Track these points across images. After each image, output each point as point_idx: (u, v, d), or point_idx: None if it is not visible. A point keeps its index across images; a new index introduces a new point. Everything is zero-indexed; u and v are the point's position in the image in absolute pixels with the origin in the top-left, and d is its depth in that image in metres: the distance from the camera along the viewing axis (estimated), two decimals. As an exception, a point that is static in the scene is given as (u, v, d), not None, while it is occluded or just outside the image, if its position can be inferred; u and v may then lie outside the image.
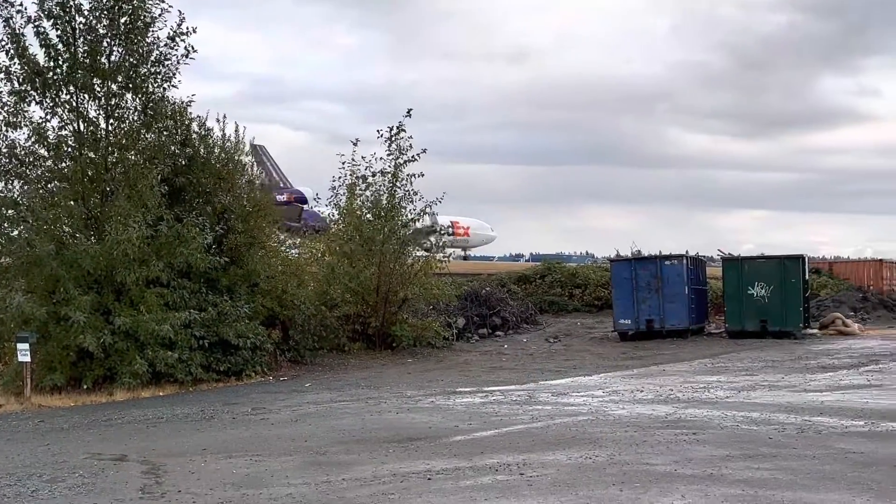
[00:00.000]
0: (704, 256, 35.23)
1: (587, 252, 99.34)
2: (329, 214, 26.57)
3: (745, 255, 30.25)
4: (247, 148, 22.42)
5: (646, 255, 31.99)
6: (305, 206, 45.69)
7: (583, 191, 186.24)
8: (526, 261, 76.11)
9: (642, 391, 15.65)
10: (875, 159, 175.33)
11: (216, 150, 21.93)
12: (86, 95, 18.75)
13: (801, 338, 27.75)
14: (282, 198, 57.25)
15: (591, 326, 33.22)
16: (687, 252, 30.48)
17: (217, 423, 13.33)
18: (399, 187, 26.00)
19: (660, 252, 30.49)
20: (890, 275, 42.96)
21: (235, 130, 22.31)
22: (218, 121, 22.14)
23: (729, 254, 31.49)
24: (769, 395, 14.74)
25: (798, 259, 28.68)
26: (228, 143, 22.19)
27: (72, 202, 18.66)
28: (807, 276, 29.43)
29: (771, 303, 28.09)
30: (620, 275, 29.31)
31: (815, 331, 29.66)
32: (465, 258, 67.92)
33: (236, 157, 22.23)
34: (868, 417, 11.86)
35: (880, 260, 43.44)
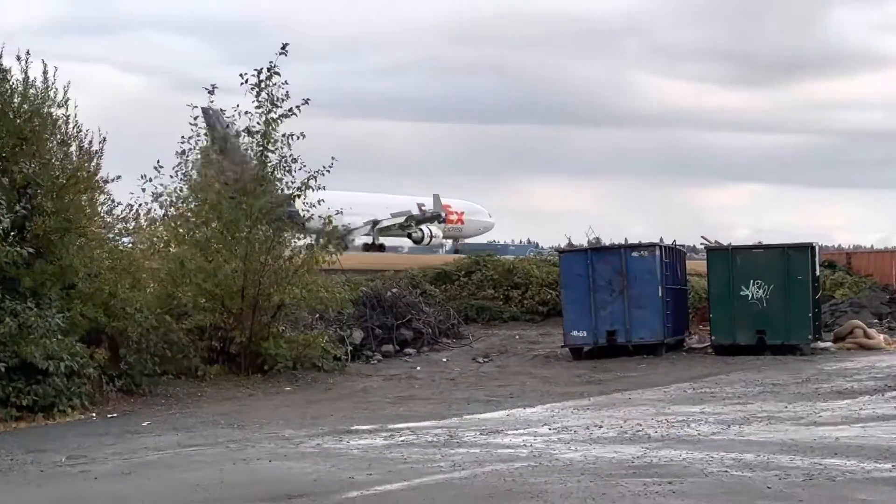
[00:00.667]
0: (684, 246, 35.92)
1: (529, 240, 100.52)
2: (176, 190, 26.22)
3: (737, 245, 31.14)
4: (60, 96, 22.03)
5: (607, 244, 32.52)
6: None
7: (524, 158, 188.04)
8: (447, 252, 76.82)
9: (601, 427, 16.00)
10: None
11: (16, 100, 21.56)
12: None
13: (809, 354, 28.68)
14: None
15: (535, 340, 33.78)
16: (661, 240, 31.21)
17: (17, 478, 13.10)
18: (272, 151, 25.95)
19: (625, 240, 31.25)
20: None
21: (44, 73, 21.94)
22: (19, 59, 21.72)
23: (716, 242, 32.32)
24: (768, 430, 15.17)
25: (806, 249, 29.53)
26: (34, 91, 21.79)
27: None
28: (818, 272, 30.25)
29: (771, 307, 28.99)
30: (573, 271, 29.88)
31: (829, 344, 30.60)
32: (457, 251, 69.41)
33: (45, 110, 21.85)
34: (896, 459, 12.16)
35: None
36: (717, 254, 30.31)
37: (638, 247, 30.09)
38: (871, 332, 31.44)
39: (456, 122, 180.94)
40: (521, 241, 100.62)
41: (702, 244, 34.10)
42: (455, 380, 25.67)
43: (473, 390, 23.37)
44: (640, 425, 15.96)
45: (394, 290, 33.82)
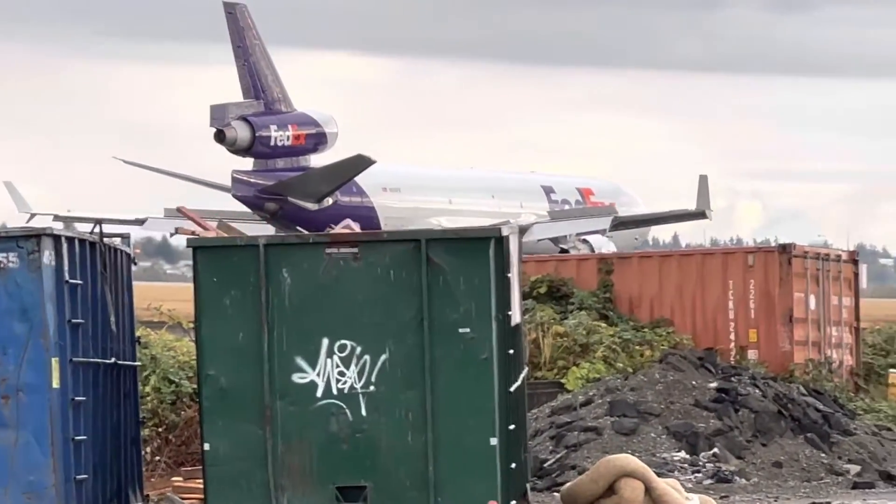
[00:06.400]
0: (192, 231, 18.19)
1: None
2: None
3: (270, 237, 17.91)
4: None
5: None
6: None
7: None
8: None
9: None
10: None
11: None
12: None
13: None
14: (285, 136, 42.33)
15: None
16: (66, 223, 21.83)
17: None
18: None
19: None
20: (815, 301, 27.80)
21: None
22: None
23: (224, 227, 14.24)
24: None
25: (486, 245, 14.37)
26: None
27: None
28: (517, 313, 15.52)
29: (378, 419, 14.21)
30: None
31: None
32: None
33: None
34: None
35: (782, 247, 28.76)
36: (212, 258, 14.67)
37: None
38: (668, 489, 16.11)
39: None
40: None
41: (178, 233, 21.89)
42: None
43: None
44: None
45: None
